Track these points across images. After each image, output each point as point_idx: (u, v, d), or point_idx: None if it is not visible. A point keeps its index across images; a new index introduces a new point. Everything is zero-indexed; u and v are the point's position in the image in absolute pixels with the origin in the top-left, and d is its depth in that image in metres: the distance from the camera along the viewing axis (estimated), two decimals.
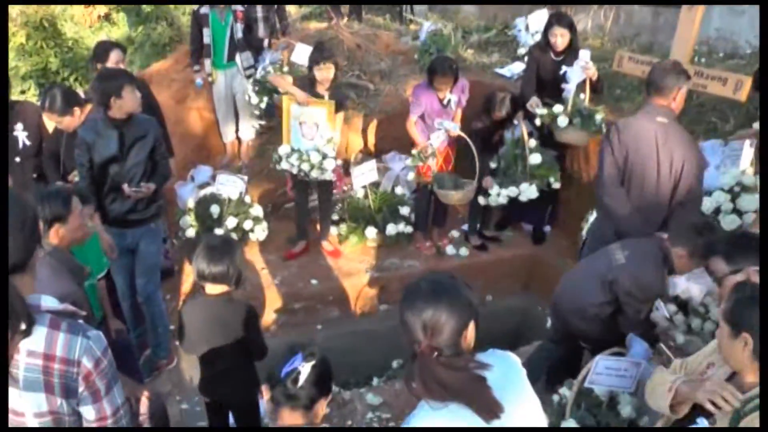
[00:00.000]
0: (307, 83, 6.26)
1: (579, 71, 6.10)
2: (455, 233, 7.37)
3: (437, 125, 6.46)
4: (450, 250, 7.04)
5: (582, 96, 6.19)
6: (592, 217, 5.75)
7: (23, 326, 2.15)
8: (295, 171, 6.36)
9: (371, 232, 6.95)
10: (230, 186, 6.66)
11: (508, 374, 2.28)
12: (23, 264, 2.22)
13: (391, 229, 6.97)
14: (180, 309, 4.14)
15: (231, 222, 6.54)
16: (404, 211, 7.07)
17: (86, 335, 2.35)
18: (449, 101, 6.51)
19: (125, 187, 4.84)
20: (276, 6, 8.38)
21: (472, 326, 2.24)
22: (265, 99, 7.49)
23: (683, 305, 4.76)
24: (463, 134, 6.43)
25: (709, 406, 2.66)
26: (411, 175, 6.94)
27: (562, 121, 6.20)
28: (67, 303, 2.52)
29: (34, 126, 5.56)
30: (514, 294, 7.11)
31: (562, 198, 7.12)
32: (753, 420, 2.48)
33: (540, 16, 8.85)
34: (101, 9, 12.00)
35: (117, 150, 4.82)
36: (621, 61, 6.55)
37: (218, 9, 7.37)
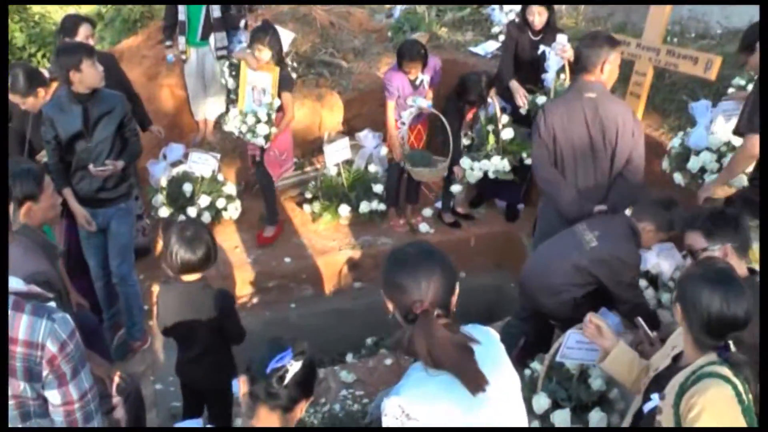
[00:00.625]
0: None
1: (557, 58, 6.10)
2: (428, 211, 7.39)
3: (410, 102, 6.48)
4: (423, 227, 7.07)
5: (563, 77, 6.20)
6: None
7: None
8: (236, 133, 6.31)
9: (344, 210, 6.95)
10: (203, 164, 6.62)
11: (489, 349, 2.31)
12: None
13: (365, 206, 6.97)
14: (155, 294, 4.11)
15: (204, 200, 6.50)
16: (377, 188, 7.07)
17: (51, 317, 2.31)
18: (421, 81, 6.56)
19: (91, 167, 4.75)
20: None
21: (457, 290, 2.29)
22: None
23: (653, 280, 4.83)
24: (436, 111, 6.45)
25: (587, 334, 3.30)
26: (384, 150, 6.97)
27: None
28: (42, 282, 2.49)
29: None
30: (488, 271, 7.15)
31: None
32: (693, 394, 2.55)
33: None
34: None
35: (81, 126, 4.70)
36: None
37: None
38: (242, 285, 6.41)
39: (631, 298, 4.23)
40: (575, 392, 3.84)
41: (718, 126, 4.97)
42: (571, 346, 3.68)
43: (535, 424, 3.72)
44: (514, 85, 6.60)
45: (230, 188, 6.76)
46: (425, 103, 6.49)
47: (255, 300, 6.46)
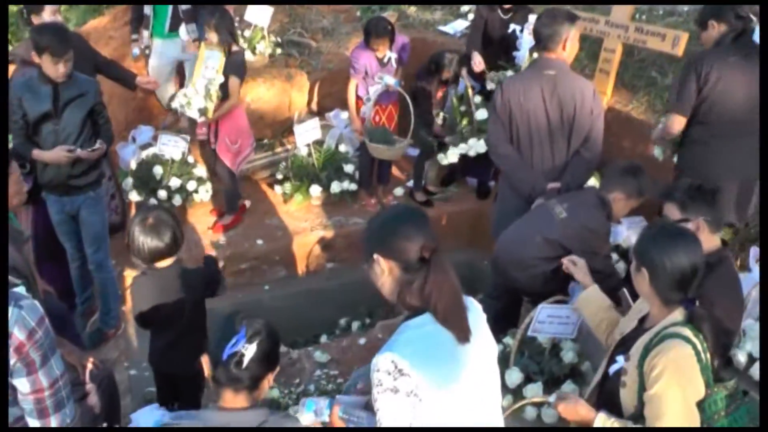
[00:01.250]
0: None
1: (530, 38, 6.11)
2: (400, 190, 7.40)
3: (377, 79, 6.48)
4: None
5: (536, 55, 6.21)
6: None
7: None
8: (178, 108, 6.17)
9: (315, 190, 6.94)
10: (172, 146, 6.55)
11: (476, 319, 2.35)
12: None
13: (336, 186, 6.96)
14: (129, 286, 4.06)
15: (174, 183, 6.45)
16: (348, 168, 7.07)
17: (18, 305, 2.27)
18: (389, 59, 6.55)
19: (79, 150, 4.65)
20: None
21: None
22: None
23: (624, 254, 4.89)
24: (401, 90, 6.46)
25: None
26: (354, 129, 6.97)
27: None
28: (9, 268, 2.46)
29: None
30: (460, 249, 7.18)
31: None
32: (656, 354, 2.65)
33: None
34: None
35: (50, 107, 4.60)
36: None
37: None
38: None
39: (603, 268, 4.24)
40: (547, 366, 3.90)
41: None
42: (542, 321, 3.73)
43: (509, 398, 3.76)
44: (475, 55, 6.60)
45: (200, 170, 6.71)
46: (392, 80, 6.49)
47: (228, 282, 6.41)
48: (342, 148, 7.20)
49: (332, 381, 4.83)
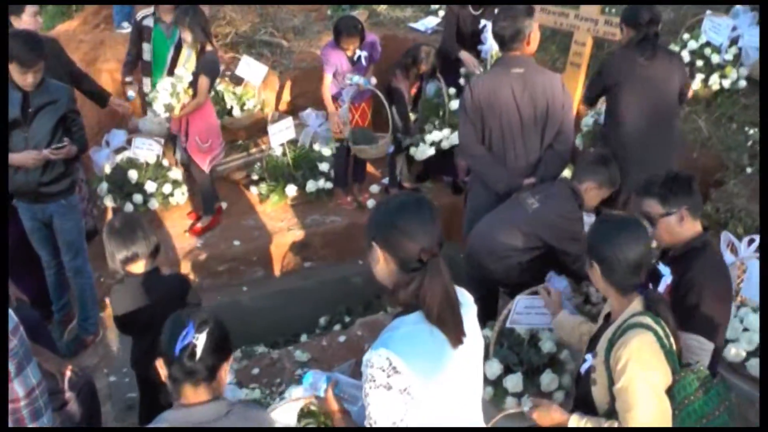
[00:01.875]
0: None
1: None
2: (376, 187, 7.42)
3: (347, 80, 6.49)
4: (371, 204, 7.07)
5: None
6: None
7: None
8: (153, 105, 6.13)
9: (291, 189, 6.94)
10: (147, 150, 6.51)
11: (467, 315, 2.34)
12: None
13: (311, 185, 6.97)
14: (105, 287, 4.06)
15: (150, 186, 6.42)
16: (323, 167, 7.07)
17: None
18: (359, 57, 6.54)
19: (45, 151, 4.58)
20: None
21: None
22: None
23: None
24: (373, 88, 6.48)
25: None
26: (328, 127, 6.99)
27: None
28: None
29: None
30: None
31: None
32: (619, 346, 2.69)
33: None
34: None
35: (19, 114, 4.53)
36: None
37: (164, 24, 6.59)
38: (192, 270, 6.36)
39: (579, 251, 4.24)
40: (526, 356, 3.92)
41: None
42: (520, 312, 3.77)
43: (489, 389, 3.80)
44: (464, 54, 6.64)
45: (176, 173, 6.68)
46: (361, 79, 6.50)
47: (206, 285, 6.41)
48: (316, 146, 7.20)
49: None
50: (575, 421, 2.83)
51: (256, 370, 4.78)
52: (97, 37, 7.68)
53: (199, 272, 6.39)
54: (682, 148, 5.67)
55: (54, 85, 4.70)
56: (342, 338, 5.23)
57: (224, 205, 7.01)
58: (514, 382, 3.78)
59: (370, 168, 7.55)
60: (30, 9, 5.31)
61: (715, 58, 6.44)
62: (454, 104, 6.48)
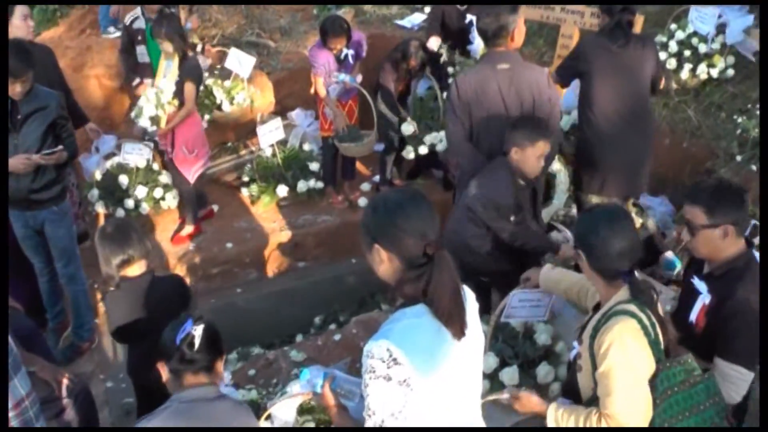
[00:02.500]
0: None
1: None
2: (366, 185, 7.42)
3: (333, 78, 6.49)
4: (362, 202, 7.08)
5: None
6: None
7: None
8: (138, 121, 6.12)
9: (282, 190, 6.94)
10: (136, 154, 6.50)
11: (469, 310, 2.33)
12: None
13: (302, 185, 6.97)
14: (104, 301, 4.06)
15: (141, 191, 6.41)
16: (313, 167, 7.08)
17: None
18: (346, 55, 6.55)
19: (34, 156, 4.55)
20: None
21: None
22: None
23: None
24: (358, 86, 6.48)
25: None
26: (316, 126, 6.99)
27: None
28: None
29: None
30: None
31: None
32: (603, 332, 2.70)
33: None
34: None
35: (8, 120, 4.51)
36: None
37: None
38: (186, 274, 6.34)
39: (505, 226, 4.27)
40: (522, 349, 3.92)
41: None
42: (515, 306, 3.76)
43: (485, 383, 3.80)
44: (432, 38, 6.67)
45: (166, 177, 6.67)
46: (347, 77, 6.50)
47: (200, 288, 6.40)
48: (306, 146, 7.20)
49: None
50: (552, 410, 2.84)
51: (252, 372, 4.77)
52: (84, 42, 7.65)
53: (192, 275, 6.38)
54: (660, 134, 5.85)
55: (43, 92, 4.68)
56: (337, 337, 5.22)
57: (216, 207, 7.01)
58: (510, 375, 3.77)
59: (360, 166, 7.55)
60: (19, 11, 5.21)
61: (703, 48, 6.47)
62: None
